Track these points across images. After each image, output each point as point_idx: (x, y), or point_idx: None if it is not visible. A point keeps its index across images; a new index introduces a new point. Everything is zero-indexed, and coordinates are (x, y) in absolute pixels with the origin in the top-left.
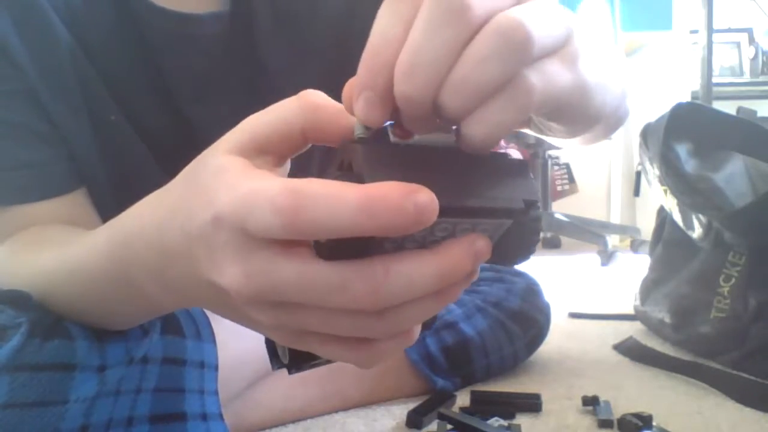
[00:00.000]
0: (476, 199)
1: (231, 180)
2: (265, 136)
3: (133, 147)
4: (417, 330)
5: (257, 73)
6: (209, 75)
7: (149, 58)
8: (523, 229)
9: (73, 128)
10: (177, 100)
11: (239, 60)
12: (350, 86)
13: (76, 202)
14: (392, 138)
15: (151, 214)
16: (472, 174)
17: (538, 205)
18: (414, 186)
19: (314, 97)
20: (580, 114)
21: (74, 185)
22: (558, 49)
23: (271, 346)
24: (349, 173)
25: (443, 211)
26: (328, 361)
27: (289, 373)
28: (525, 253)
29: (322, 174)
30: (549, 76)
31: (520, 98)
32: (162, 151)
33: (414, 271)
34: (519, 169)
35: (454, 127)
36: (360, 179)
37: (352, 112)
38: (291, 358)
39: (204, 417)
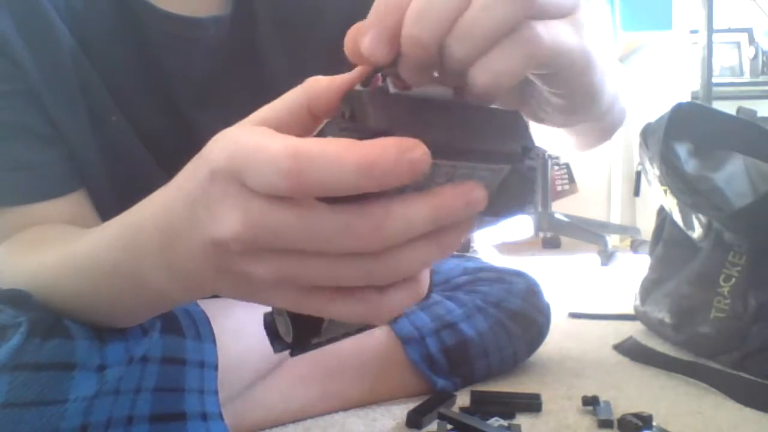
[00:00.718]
0: (474, 141)
1: (229, 137)
2: (275, 120)
3: (133, 149)
4: (425, 282)
5: (258, 76)
6: (210, 78)
7: (150, 60)
8: (519, 178)
9: (73, 129)
10: (178, 102)
11: (240, 63)
12: (356, 28)
13: (77, 202)
14: (392, 89)
15: (162, 196)
16: (471, 121)
17: (534, 151)
18: (409, 143)
19: (313, 78)
20: (584, 84)
21: (75, 186)
22: (565, 15)
23: (272, 328)
24: (353, 123)
25: (441, 151)
26: (330, 340)
27: (292, 354)
28: (521, 204)
29: (328, 125)
30: (555, 31)
31: (526, 45)
32: (163, 154)
33: (411, 210)
34: (515, 119)
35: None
36: (365, 125)
37: (355, 56)
38: (295, 335)
39: (204, 417)
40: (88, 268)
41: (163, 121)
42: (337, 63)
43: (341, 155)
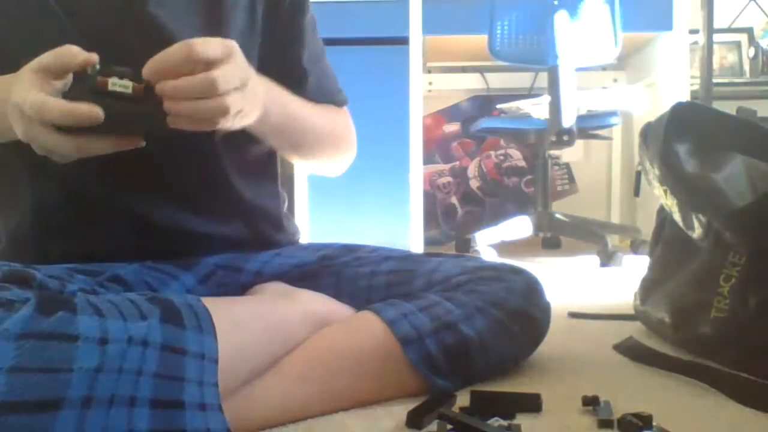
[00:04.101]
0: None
1: (22, 85)
2: (45, 65)
3: None
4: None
5: None
6: None
7: None
8: None
9: None
10: None
11: None
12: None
13: None
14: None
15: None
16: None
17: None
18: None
19: (64, 52)
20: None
21: None
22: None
23: None
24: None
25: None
26: None
27: None
28: None
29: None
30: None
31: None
32: None
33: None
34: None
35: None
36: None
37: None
38: None
39: (203, 407)
40: None
41: None
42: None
43: (62, 108)
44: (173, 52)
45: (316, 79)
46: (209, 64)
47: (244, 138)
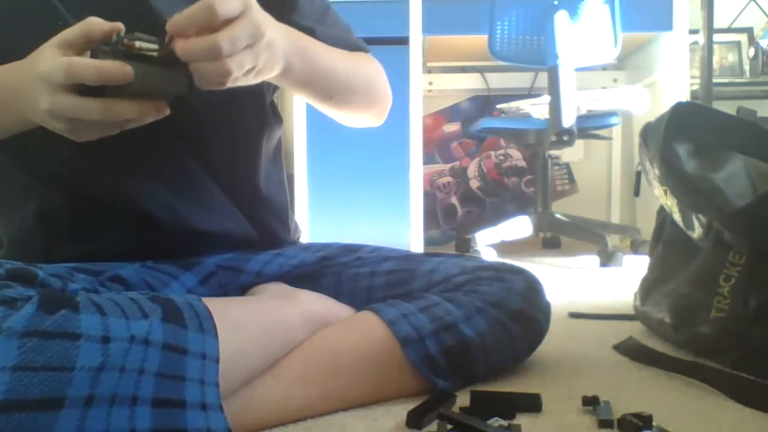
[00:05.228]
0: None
1: (46, 57)
2: (69, 39)
3: None
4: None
5: None
6: None
7: None
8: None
9: None
10: None
11: None
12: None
13: None
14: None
15: (10, 69)
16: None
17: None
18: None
19: (92, 18)
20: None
21: None
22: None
23: None
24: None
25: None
26: None
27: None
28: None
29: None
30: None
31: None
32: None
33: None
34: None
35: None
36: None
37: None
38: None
39: (204, 407)
40: None
41: None
42: None
43: (92, 65)
44: (196, 13)
45: (326, 36)
46: (227, 20)
47: (248, 118)
